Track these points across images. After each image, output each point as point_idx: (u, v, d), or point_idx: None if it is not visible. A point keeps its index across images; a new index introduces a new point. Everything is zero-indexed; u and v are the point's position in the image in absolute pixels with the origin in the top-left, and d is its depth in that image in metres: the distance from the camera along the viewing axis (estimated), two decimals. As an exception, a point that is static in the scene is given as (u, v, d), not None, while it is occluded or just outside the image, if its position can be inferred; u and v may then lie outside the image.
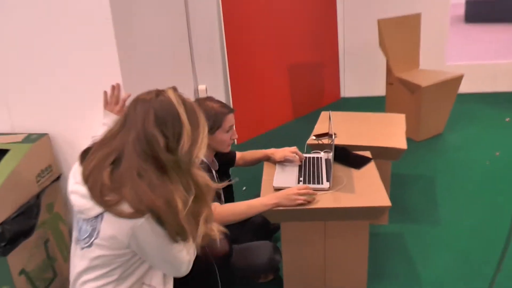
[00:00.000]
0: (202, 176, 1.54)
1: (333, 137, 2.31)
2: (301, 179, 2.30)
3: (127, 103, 1.93)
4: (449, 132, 4.50)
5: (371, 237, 2.20)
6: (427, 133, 4.33)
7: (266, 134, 4.80)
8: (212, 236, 1.59)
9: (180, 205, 1.41)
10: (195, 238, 1.50)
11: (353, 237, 2.21)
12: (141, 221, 1.37)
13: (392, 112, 4.33)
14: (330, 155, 2.23)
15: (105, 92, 2.05)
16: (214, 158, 2.43)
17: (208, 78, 3.73)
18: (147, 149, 1.40)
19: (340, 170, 2.41)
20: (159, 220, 1.39)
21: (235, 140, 4.44)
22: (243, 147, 4.52)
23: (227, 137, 2.28)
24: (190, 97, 3.24)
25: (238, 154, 2.63)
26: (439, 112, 4.31)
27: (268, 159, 2.56)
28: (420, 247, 2.80)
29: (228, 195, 2.57)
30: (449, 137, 4.40)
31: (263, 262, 2.27)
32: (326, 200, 2.14)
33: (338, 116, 3.30)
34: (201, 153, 1.51)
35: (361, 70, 5.68)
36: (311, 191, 2.12)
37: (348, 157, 2.50)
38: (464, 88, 4.73)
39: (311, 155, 2.56)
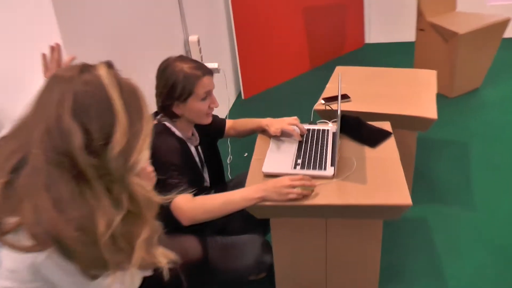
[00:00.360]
0: (142, 187, 1.09)
1: (339, 104, 1.78)
2: (299, 161, 1.80)
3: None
4: (488, 86, 3.88)
5: (384, 221, 1.73)
6: (462, 88, 3.74)
7: (276, 88, 4.28)
8: (157, 264, 1.15)
9: (101, 227, 0.99)
10: (126, 267, 1.07)
11: (362, 237, 1.74)
12: (41, 258, 0.98)
13: (422, 63, 3.73)
14: (332, 133, 1.72)
15: (44, 55, 1.56)
16: (194, 131, 1.95)
17: (203, 26, 3.17)
18: (60, 149, 0.97)
19: (350, 148, 1.90)
20: (67, 253, 0.96)
21: (242, 94, 3.94)
22: (249, 103, 4.02)
23: (203, 106, 1.80)
24: (179, 51, 2.77)
25: (229, 123, 2.14)
26: (478, 63, 3.68)
27: (263, 131, 2.07)
28: (447, 236, 2.31)
29: (216, 172, 2.12)
30: (488, 93, 3.79)
31: (248, 264, 1.83)
32: (328, 193, 1.65)
33: (355, 73, 2.74)
34: (143, 157, 1.06)
35: (388, 12, 5.00)
36: (308, 183, 1.64)
37: (361, 130, 1.98)
38: (510, 32, 4.03)
39: (316, 127, 2.05)
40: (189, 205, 1.64)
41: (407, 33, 4.78)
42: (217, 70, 2.87)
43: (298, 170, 1.76)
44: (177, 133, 1.86)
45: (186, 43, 2.80)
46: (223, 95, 3.27)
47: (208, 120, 1.87)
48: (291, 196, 1.61)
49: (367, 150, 1.87)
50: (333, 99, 2.35)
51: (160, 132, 1.83)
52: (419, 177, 2.67)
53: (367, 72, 2.72)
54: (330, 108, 2.28)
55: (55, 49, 1.55)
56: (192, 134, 1.95)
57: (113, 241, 1.02)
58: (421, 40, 3.83)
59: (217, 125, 2.11)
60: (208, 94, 1.80)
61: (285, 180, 1.63)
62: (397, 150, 1.85)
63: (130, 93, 1.04)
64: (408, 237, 2.32)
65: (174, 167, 1.71)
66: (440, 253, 2.22)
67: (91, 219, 0.98)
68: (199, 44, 2.79)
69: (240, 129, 2.13)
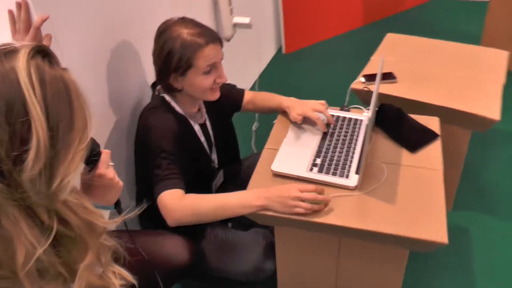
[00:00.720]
0: (80, 209, 0.84)
1: (374, 96, 1.41)
2: (318, 161, 1.48)
3: (44, 32, 1.25)
4: None
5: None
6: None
7: (322, 44, 3.84)
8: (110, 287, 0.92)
9: (20, 258, 0.77)
10: None
11: (382, 263, 1.43)
12: None
13: (494, 28, 3.19)
14: (365, 127, 1.37)
15: (10, 12, 1.27)
16: (201, 105, 1.65)
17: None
18: None
19: (384, 150, 1.55)
20: None
21: (283, 48, 3.55)
22: (290, 59, 3.63)
23: (206, 81, 1.49)
24: (203, 9, 2.39)
25: (248, 95, 1.83)
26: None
27: (284, 112, 1.74)
28: (488, 257, 1.96)
29: (229, 151, 1.86)
30: None
31: (246, 270, 1.58)
32: (345, 211, 1.33)
33: (408, 44, 2.31)
34: (74, 173, 0.79)
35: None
36: (320, 197, 1.32)
37: (401, 126, 1.62)
38: None
39: (348, 115, 1.70)
40: (176, 204, 1.37)
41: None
42: (248, 26, 2.51)
43: (314, 173, 1.44)
44: (178, 108, 1.56)
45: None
46: (253, 54, 2.90)
47: (215, 96, 1.56)
48: (298, 210, 1.31)
49: (404, 155, 1.52)
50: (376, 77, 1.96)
51: (157, 107, 1.54)
52: (466, 178, 2.27)
53: (423, 44, 2.28)
54: (368, 90, 1.90)
55: (22, 6, 1.24)
56: (199, 110, 1.65)
57: (41, 272, 0.80)
58: (496, 2, 3.27)
59: (234, 97, 1.81)
60: (213, 66, 1.48)
61: (292, 190, 1.32)
62: (442, 159, 1.49)
63: (56, 95, 0.76)
64: (439, 252, 1.98)
65: (165, 154, 1.43)
66: (477, 277, 1.88)
67: (6, 250, 0.76)
68: (230, 3, 2.41)
69: (259, 104, 1.82)
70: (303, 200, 1.31)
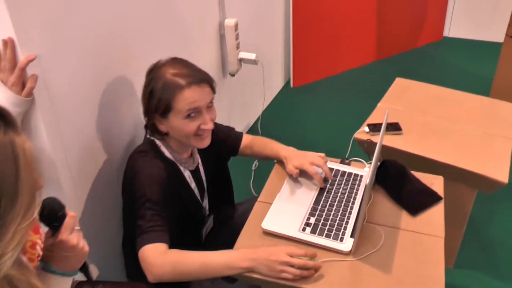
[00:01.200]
0: (21, 286, 0.77)
1: (376, 153, 1.34)
2: (311, 221, 1.40)
3: (29, 72, 1.21)
4: None
5: None
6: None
7: (332, 79, 3.78)
8: None
9: None
10: None
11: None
12: None
13: (506, 74, 3.10)
14: (365, 184, 1.28)
15: None
16: (194, 151, 1.58)
17: (247, 7, 2.71)
18: None
19: (382, 210, 1.47)
20: None
21: (291, 82, 3.49)
22: (298, 92, 3.56)
23: (188, 127, 1.41)
24: (210, 35, 2.34)
25: (246, 140, 1.75)
26: None
27: (281, 161, 1.66)
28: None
29: (223, 196, 1.79)
30: None
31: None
32: (336, 278, 1.25)
33: (417, 90, 2.23)
34: (13, 252, 0.74)
35: (476, 5, 4.30)
36: (311, 263, 1.24)
37: (403, 185, 1.53)
38: None
39: (348, 169, 1.62)
40: (158, 260, 1.29)
41: (495, 33, 4.11)
42: (254, 62, 2.46)
43: (306, 234, 1.35)
44: (167, 154, 1.49)
45: (222, 26, 2.38)
46: (259, 87, 2.84)
47: (203, 144, 1.48)
48: (285, 275, 1.22)
49: (404, 218, 1.43)
50: (381, 126, 1.88)
51: (146, 151, 1.47)
52: (469, 233, 2.17)
53: (433, 92, 2.21)
54: (372, 142, 1.82)
55: (8, 44, 1.19)
56: (191, 155, 1.58)
57: None
58: (509, 48, 3.19)
59: (231, 141, 1.73)
60: (195, 111, 1.39)
61: (281, 254, 1.23)
62: (444, 225, 1.40)
63: (1, 163, 0.69)
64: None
65: (150, 204, 1.36)
66: None
67: None
68: (236, 29, 2.36)
69: (257, 151, 1.74)
70: (292, 265, 1.23)
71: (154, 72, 1.40)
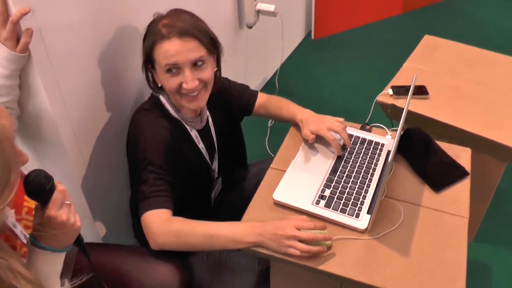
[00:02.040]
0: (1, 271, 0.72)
1: (401, 121, 1.22)
2: (326, 193, 1.30)
3: (23, 26, 1.10)
4: None
5: None
6: None
7: (354, 31, 3.58)
8: None
9: None
10: None
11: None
12: None
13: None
14: (386, 154, 1.17)
15: None
16: (203, 109, 1.47)
17: None
18: None
19: (403, 184, 1.37)
20: None
21: (312, 34, 3.31)
22: (320, 44, 3.39)
23: (169, 83, 1.30)
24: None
25: (261, 98, 1.64)
26: None
27: (297, 124, 1.56)
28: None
29: (235, 158, 1.70)
30: None
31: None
32: (349, 258, 1.17)
33: (448, 50, 2.06)
34: None
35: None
36: (320, 236, 1.16)
37: (427, 158, 1.42)
38: None
39: (368, 136, 1.51)
40: (161, 227, 1.23)
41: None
42: (273, 14, 2.31)
43: (320, 208, 1.27)
44: (172, 112, 1.40)
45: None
46: (277, 43, 2.69)
47: (192, 106, 1.34)
48: (293, 251, 1.15)
49: (427, 194, 1.33)
50: (407, 90, 1.75)
51: (150, 109, 1.39)
52: (493, 207, 2.05)
53: (466, 53, 2.03)
54: (395, 106, 1.70)
55: None
56: (200, 114, 1.47)
57: None
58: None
59: (245, 100, 1.63)
60: (174, 67, 1.26)
61: (288, 228, 1.16)
62: (469, 204, 1.29)
63: None
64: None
65: (152, 167, 1.29)
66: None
67: None
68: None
69: (272, 111, 1.63)
70: (301, 240, 1.15)
71: (152, 21, 1.30)
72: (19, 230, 0.99)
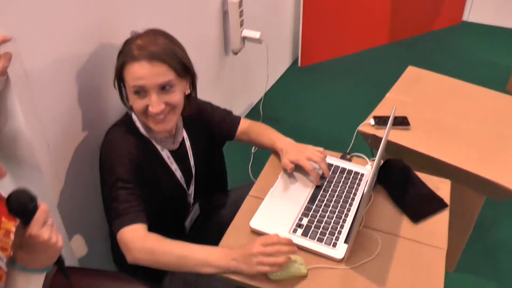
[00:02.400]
0: None
1: (379, 151, 1.23)
2: (304, 222, 1.29)
3: (2, 50, 1.09)
4: None
5: None
6: None
7: (341, 59, 3.63)
8: None
9: None
10: None
11: None
12: None
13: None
14: (365, 184, 1.18)
15: None
16: (178, 130, 1.46)
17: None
18: None
19: (381, 213, 1.36)
20: None
21: (299, 61, 3.34)
22: (306, 72, 3.43)
23: (136, 104, 1.29)
24: (212, 11, 2.19)
25: (243, 125, 1.64)
26: None
27: (277, 153, 1.55)
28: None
29: (215, 182, 1.69)
30: None
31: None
32: (326, 287, 1.15)
33: (430, 81, 2.09)
34: None
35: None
36: (284, 249, 1.16)
37: (406, 188, 1.42)
38: None
39: (348, 166, 1.51)
40: (137, 243, 1.22)
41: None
42: (258, 41, 2.33)
43: (297, 236, 1.26)
44: (142, 130, 1.39)
45: (225, 2, 2.23)
46: (262, 70, 2.71)
47: (158, 128, 1.32)
48: (261, 268, 1.14)
49: (405, 225, 1.33)
50: (388, 120, 1.76)
51: (118, 125, 1.39)
52: (474, 237, 2.05)
53: (446, 84, 2.06)
54: (376, 137, 1.71)
55: None
56: (175, 134, 1.45)
57: None
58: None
59: (227, 126, 1.62)
60: (141, 89, 1.25)
61: (254, 247, 1.16)
62: (447, 236, 1.29)
63: None
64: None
65: (121, 183, 1.28)
66: None
67: None
68: (240, 6, 2.22)
69: (254, 137, 1.62)
70: (268, 255, 1.14)
71: (127, 39, 1.29)
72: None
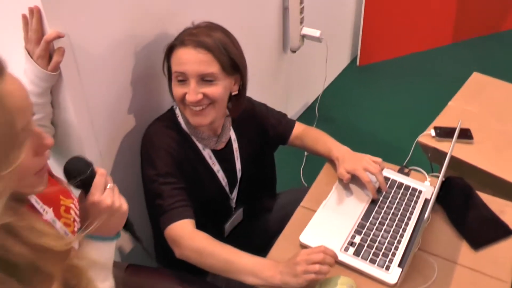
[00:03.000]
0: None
1: (443, 170, 1.16)
2: (357, 240, 1.25)
3: (56, 45, 1.10)
4: None
5: None
6: None
7: (402, 59, 3.49)
8: None
9: None
10: None
11: None
12: None
13: None
14: (423, 203, 1.11)
15: (24, 17, 1.11)
16: (225, 130, 1.43)
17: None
18: None
19: (440, 239, 1.29)
20: None
21: (358, 60, 3.25)
22: (364, 71, 3.32)
23: (175, 90, 1.29)
24: (273, 7, 2.14)
25: (298, 129, 1.60)
26: None
27: (332, 161, 1.50)
28: None
29: (264, 187, 1.66)
30: None
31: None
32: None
33: (497, 90, 1.96)
34: None
35: None
36: (330, 259, 1.11)
37: (467, 210, 1.34)
38: None
39: (406, 181, 1.44)
40: (186, 242, 1.22)
41: None
42: (318, 39, 2.28)
43: (348, 256, 1.21)
44: (183, 125, 1.37)
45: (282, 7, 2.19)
46: (320, 69, 2.64)
47: (194, 121, 1.30)
48: (307, 276, 1.08)
49: (464, 251, 1.25)
50: (451, 133, 1.67)
51: (161, 119, 1.39)
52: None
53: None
54: (437, 150, 1.62)
55: (34, 13, 1.08)
56: (220, 134, 1.41)
57: None
58: None
59: (282, 129, 1.58)
60: (182, 75, 1.25)
61: (298, 256, 1.12)
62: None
63: None
64: None
65: (163, 178, 1.27)
66: None
67: None
68: (302, 3, 2.16)
69: (308, 143, 1.57)
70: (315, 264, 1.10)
71: (184, 29, 1.30)
72: (58, 226, 0.97)
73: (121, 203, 0.91)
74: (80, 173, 0.87)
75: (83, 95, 1.25)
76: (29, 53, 1.11)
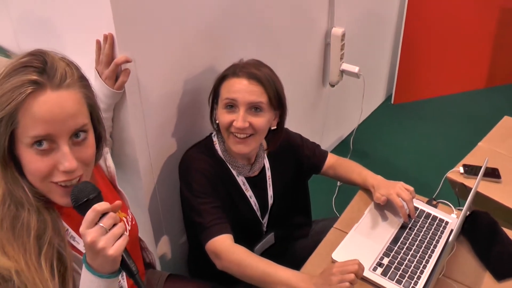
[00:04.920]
0: None
1: (467, 202, 1.26)
2: (385, 261, 1.34)
3: (123, 67, 1.29)
4: None
5: None
6: None
7: (435, 100, 3.59)
8: None
9: None
10: None
11: None
12: None
13: None
14: (449, 233, 1.21)
15: (98, 42, 1.29)
16: (259, 159, 1.52)
17: (354, 17, 2.62)
18: None
19: (464, 268, 1.37)
20: None
21: (392, 98, 3.37)
22: (398, 110, 3.43)
23: (222, 117, 1.40)
24: (316, 43, 2.28)
25: (331, 160, 1.69)
26: None
27: (366, 189, 1.60)
28: None
29: (299, 214, 1.73)
30: None
31: None
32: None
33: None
34: None
35: None
36: (361, 266, 1.19)
37: (491, 243, 1.42)
38: None
39: (433, 212, 1.53)
40: (226, 255, 1.31)
41: None
42: (356, 75, 2.40)
43: (376, 275, 1.31)
44: (219, 152, 1.47)
45: (328, 34, 2.33)
46: (356, 104, 2.76)
47: (236, 149, 1.39)
48: (342, 285, 1.15)
49: (487, 281, 1.33)
50: (478, 170, 1.76)
51: (197, 145, 1.50)
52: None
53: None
54: (465, 186, 1.71)
55: (108, 39, 1.25)
56: (254, 162, 1.51)
57: None
58: None
59: (316, 159, 1.67)
60: (232, 102, 1.36)
61: (331, 267, 1.19)
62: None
63: None
64: None
65: (201, 199, 1.38)
66: None
67: None
68: (343, 39, 2.31)
69: (341, 173, 1.66)
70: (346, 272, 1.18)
71: (233, 64, 1.43)
72: (81, 245, 1.00)
73: (106, 247, 0.82)
74: (76, 199, 0.86)
75: (142, 112, 1.40)
76: (98, 73, 1.29)
